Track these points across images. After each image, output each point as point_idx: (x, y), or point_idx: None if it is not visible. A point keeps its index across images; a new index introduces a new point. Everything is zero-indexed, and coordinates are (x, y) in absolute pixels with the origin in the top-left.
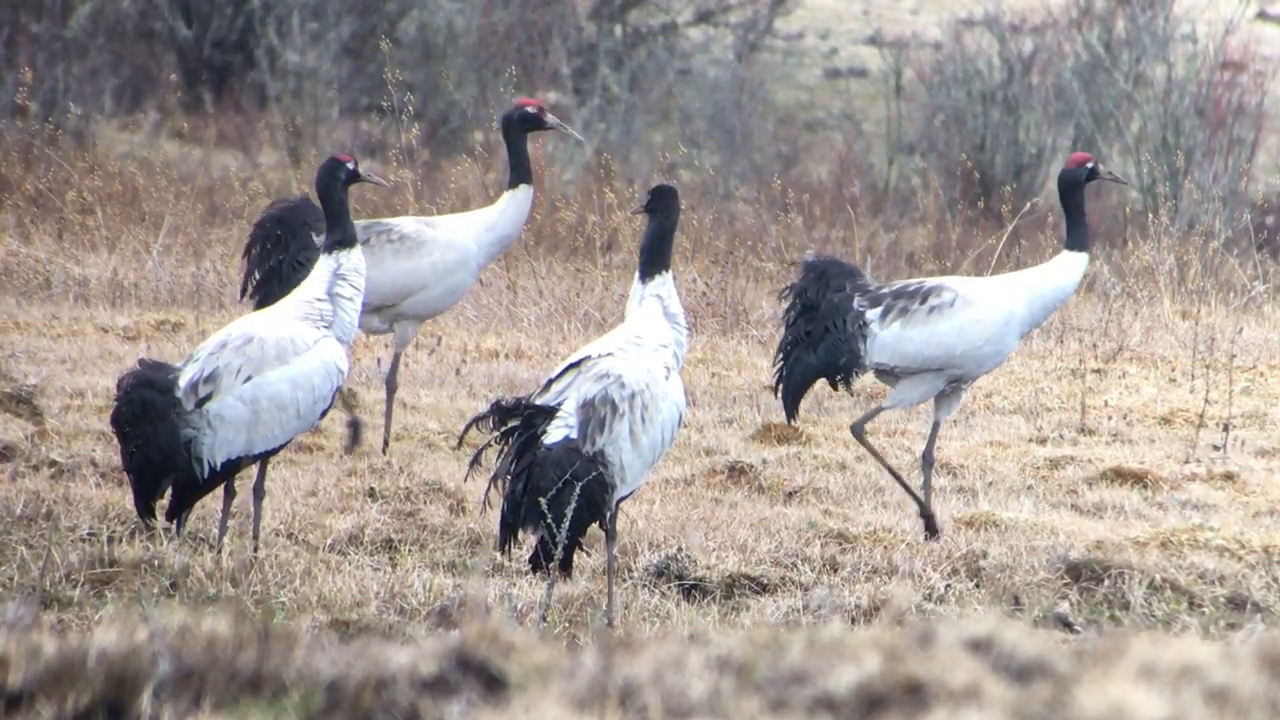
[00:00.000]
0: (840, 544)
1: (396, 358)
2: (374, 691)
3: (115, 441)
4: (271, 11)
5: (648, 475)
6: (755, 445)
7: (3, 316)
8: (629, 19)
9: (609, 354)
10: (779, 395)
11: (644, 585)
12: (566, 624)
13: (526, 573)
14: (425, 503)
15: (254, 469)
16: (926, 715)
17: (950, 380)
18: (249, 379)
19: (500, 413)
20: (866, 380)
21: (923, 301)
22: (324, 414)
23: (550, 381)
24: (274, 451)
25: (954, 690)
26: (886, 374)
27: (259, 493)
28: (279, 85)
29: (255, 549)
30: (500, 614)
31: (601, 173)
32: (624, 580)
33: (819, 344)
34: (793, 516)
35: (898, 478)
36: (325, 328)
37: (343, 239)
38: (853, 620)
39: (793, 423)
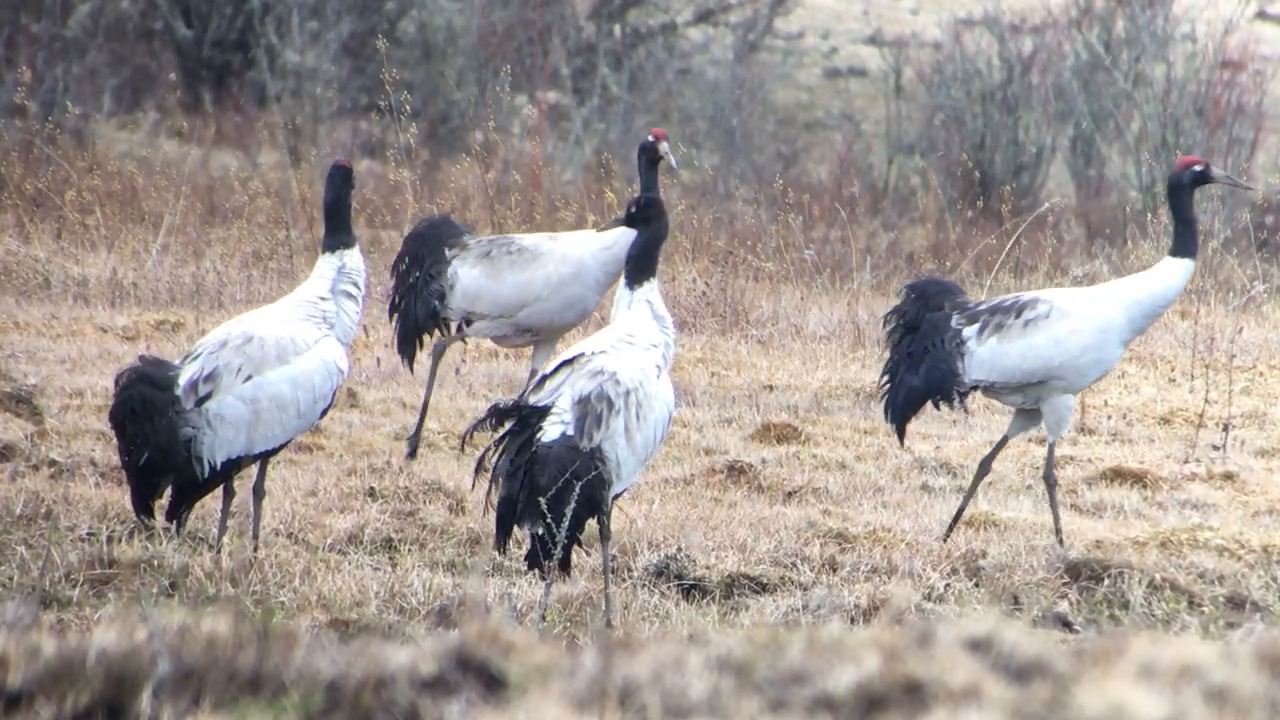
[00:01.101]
0: (840, 544)
1: (533, 373)
2: (374, 691)
3: (114, 441)
4: (271, 11)
5: (641, 473)
6: (754, 445)
7: (2, 316)
8: (629, 19)
9: (602, 351)
10: (887, 419)
11: (643, 585)
12: (566, 624)
13: (526, 572)
14: (425, 502)
15: (254, 469)
16: (926, 715)
17: (1060, 391)
18: (249, 378)
19: (497, 415)
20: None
21: (1018, 315)
22: (324, 413)
23: (545, 378)
24: (274, 451)
25: (953, 690)
26: (990, 391)
27: (259, 492)
28: (278, 85)
29: (255, 549)
30: (500, 614)
31: (601, 172)
32: (623, 580)
33: (920, 365)
34: (792, 516)
35: (1056, 521)
36: (328, 328)
37: (346, 239)
38: (852, 620)
39: (904, 445)
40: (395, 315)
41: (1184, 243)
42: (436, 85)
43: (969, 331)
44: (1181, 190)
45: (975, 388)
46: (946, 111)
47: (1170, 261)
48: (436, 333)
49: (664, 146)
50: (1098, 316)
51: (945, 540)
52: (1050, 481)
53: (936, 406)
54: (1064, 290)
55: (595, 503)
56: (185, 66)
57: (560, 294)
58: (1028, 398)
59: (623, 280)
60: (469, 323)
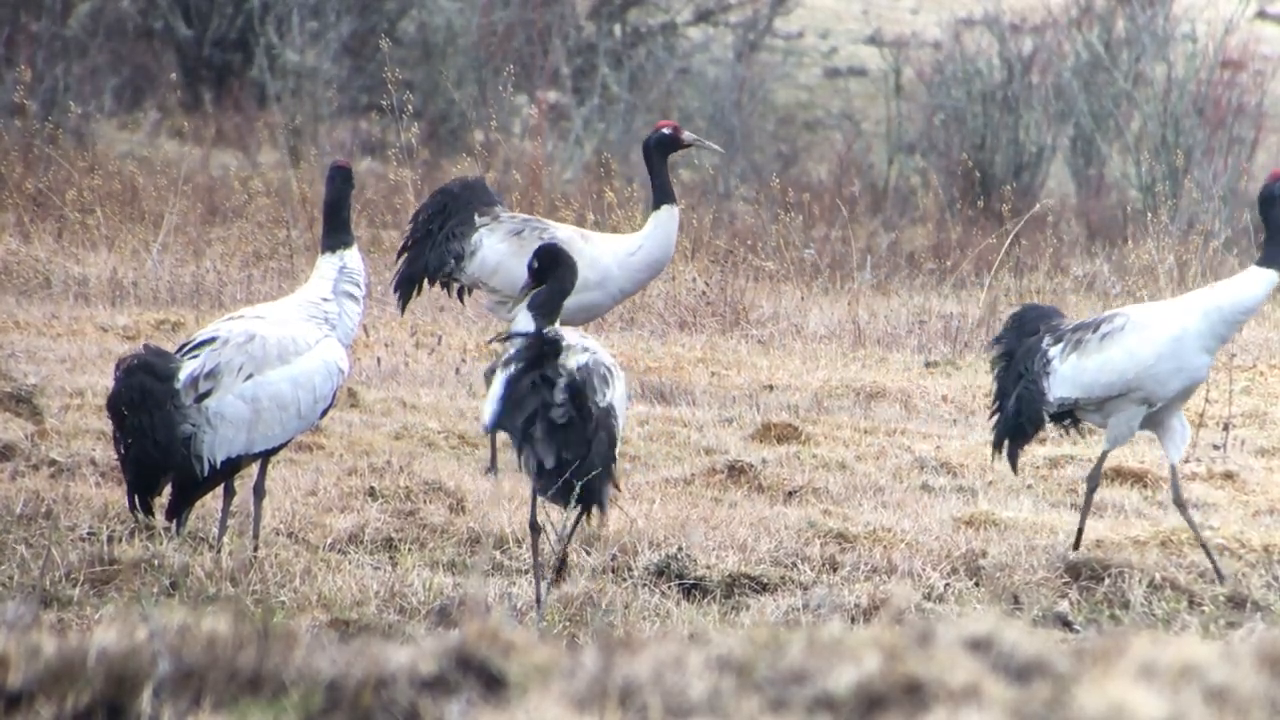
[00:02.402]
0: (840, 543)
1: None
2: (374, 691)
3: (112, 431)
4: (271, 10)
5: None
6: (755, 445)
7: (2, 316)
8: (629, 18)
9: (578, 343)
10: (999, 452)
11: (644, 585)
12: (566, 623)
13: (526, 572)
14: (425, 502)
15: (254, 468)
16: (926, 715)
17: (1140, 402)
18: (250, 377)
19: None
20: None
21: (1095, 330)
22: (324, 414)
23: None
24: (274, 451)
25: (953, 690)
26: (1080, 409)
27: (259, 492)
28: (279, 84)
29: (255, 548)
30: (500, 613)
31: (601, 172)
32: (624, 580)
33: (1014, 391)
34: (792, 516)
35: (1209, 554)
36: (329, 328)
37: (346, 239)
38: (852, 620)
39: (1016, 473)
40: (402, 256)
41: (1271, 254)
42: (436, 85)
43: (1054, 351)
44: (1274, 201)
45: (1062, 408)
46: (946, 111)
47: (1256, 271)
48: (440, 287)
49: (688, 134)
50: (1173, 324)
51: (1075, 550)
52: (1091, 485)
53: (1028, 431)
54: (1146, 304)
55: (614, 459)
56: (185, 66)
57: (578, 298)
58: (1105, 414)
59: (532, 318)
60: (470, 291)
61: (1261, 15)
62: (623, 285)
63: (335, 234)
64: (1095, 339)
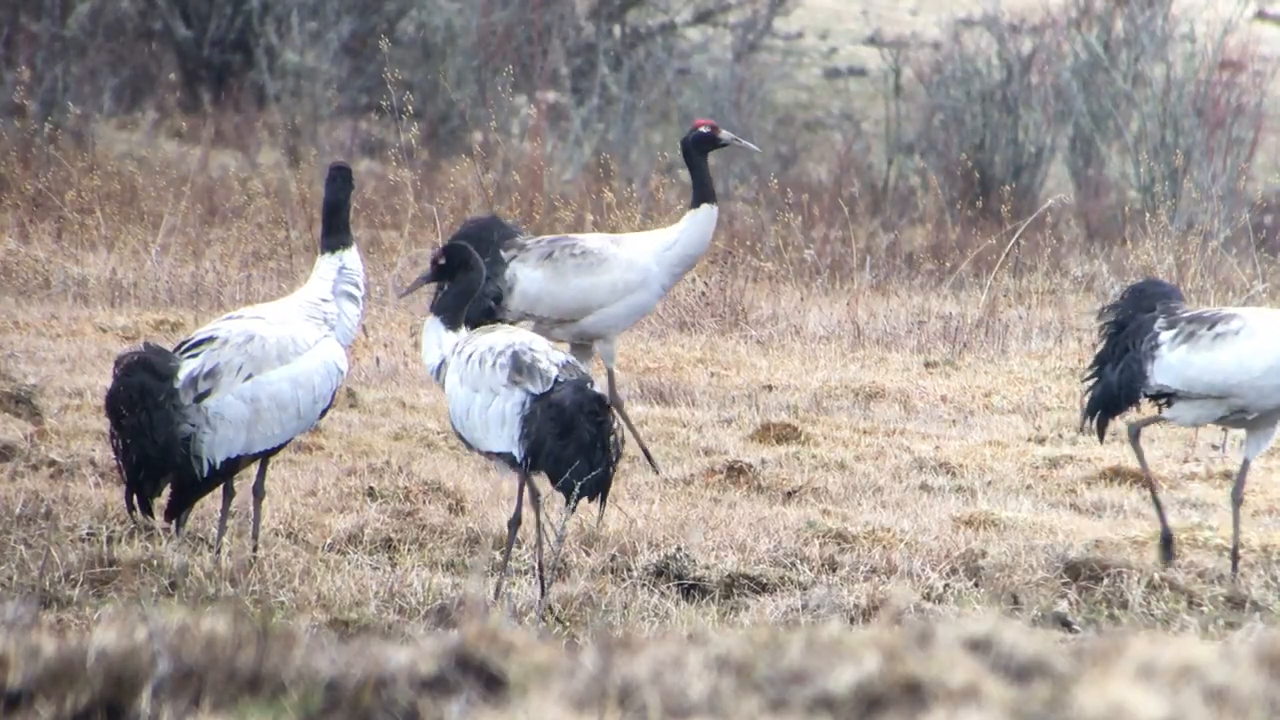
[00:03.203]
0: (839, 543)
1: (610, 374)
2: (373, 691)
3: (109, 429)
4: (270, 11)
5: None
6: (754, 445)
7: (2, 316)
8: (628, 19)
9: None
10: (1085, 416)
11: (643, 585)
12: (566, 624)
13: (526, 572)
14: (424, 502)
15: (254, 468)
16: (926, 715)
17: (1233, 410)
18: (249, 377)
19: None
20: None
21: (1210, 327)
22: (324, 414)
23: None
24: (273, 451)
25: (953, 690)
26: (1172, 396)
27: (258, 492)
28: (278, 85)
29: (255, 549)
30: (500, 613)
31: (600, 172)
32: (623, 580)
33: (1119, 361)
34: (792, 516)
35: (1155, 494)
36: (329, 329)
37: (345, 240)
38: (851, 620)
39: (1103, 442)
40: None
41: None
42: (436, 85)
43: (1165, 336)
44: None
45: (1160, 395)
46: (946, 111)
47: None
48: None
49: (725, 133)
50: None
51: (1235, 574)
52: (1236, 500)
53: (1120, 405)
54: (1265, 310)
55: None
56: (185, 66)
57: (624, 301)
58: (1221, 410)
59: (439, 322)
60: (521, 324)
61: (1261, 15)
62: (663, 281)
63: (334, 235)
64: (1208, 336)
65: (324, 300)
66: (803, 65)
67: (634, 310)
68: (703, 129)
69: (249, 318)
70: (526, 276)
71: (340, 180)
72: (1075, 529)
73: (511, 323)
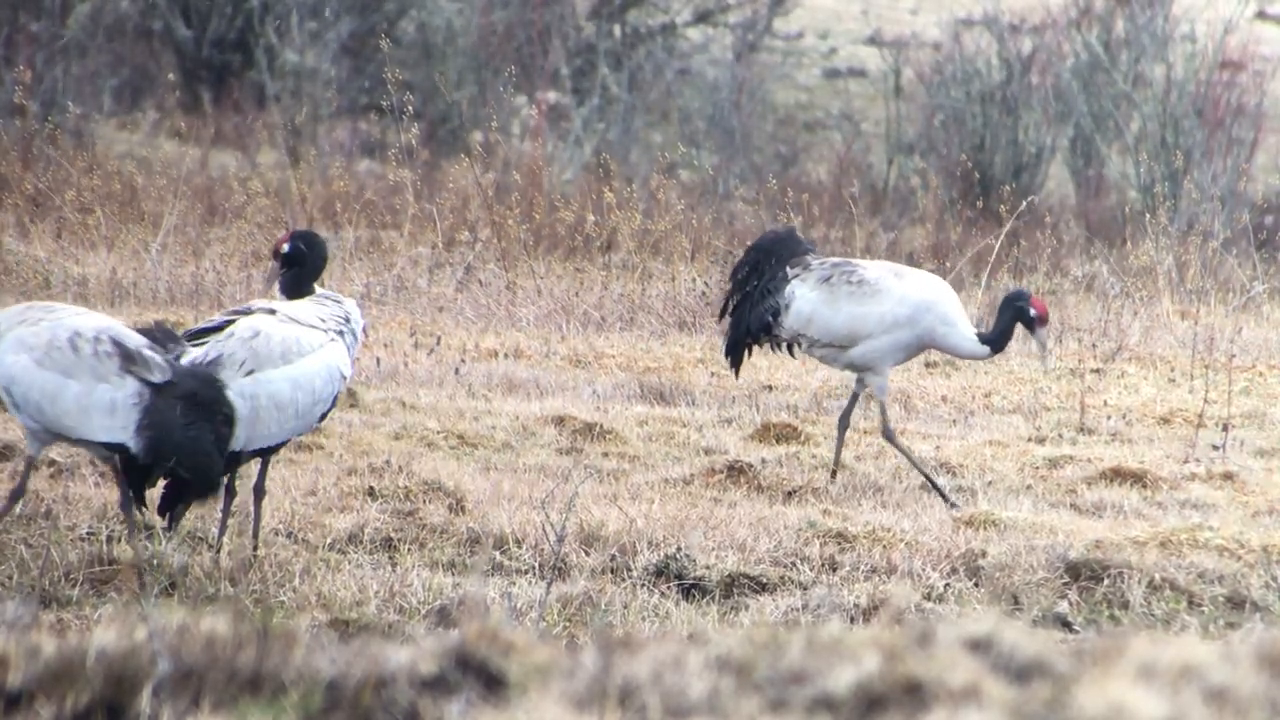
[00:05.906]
0: (839, 543)
1: (882, 407)
2: (374, 691)
3: None
4: (270, 11)
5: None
6: (754, 445)
7: None
8: (628, 19)
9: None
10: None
11: (643, 585)
12: (566, 624)
13: (526, 572)
14: (424, 502)
15: (254, 468)
16: (926, 715)
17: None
18: (250, 373)
19: None
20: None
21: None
22: (324, 417)
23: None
24: (272, 450)
25: (953, 690)
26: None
27: (259, 492)
28: (278, 85)
29: (255, 548)
30: (500, 613)
31: (600, 172)
32: (623, 580)
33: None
34: (792, 516)
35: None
36: (336, 334)
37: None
38: (852, 620)
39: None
40: (724, 318)
41: None
42: (436, 85)
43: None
44: None
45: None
46: (946, 112)
47: None
48: (767, 345)
49: (1041, 332)
50: None
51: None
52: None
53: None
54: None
55: None
56: (185, 66)
57: (890, 335)
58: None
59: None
60: (799, 344)
61: (1261, 16)
62: (931, 328)
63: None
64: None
65: (338, 302)
66: (803, 65)
67: (897, 347)
68: (1033, 311)
69: (259, 312)
70: (803, 297)
71: (307, 246)
72: (1075, 529)
73: (787, 339)
